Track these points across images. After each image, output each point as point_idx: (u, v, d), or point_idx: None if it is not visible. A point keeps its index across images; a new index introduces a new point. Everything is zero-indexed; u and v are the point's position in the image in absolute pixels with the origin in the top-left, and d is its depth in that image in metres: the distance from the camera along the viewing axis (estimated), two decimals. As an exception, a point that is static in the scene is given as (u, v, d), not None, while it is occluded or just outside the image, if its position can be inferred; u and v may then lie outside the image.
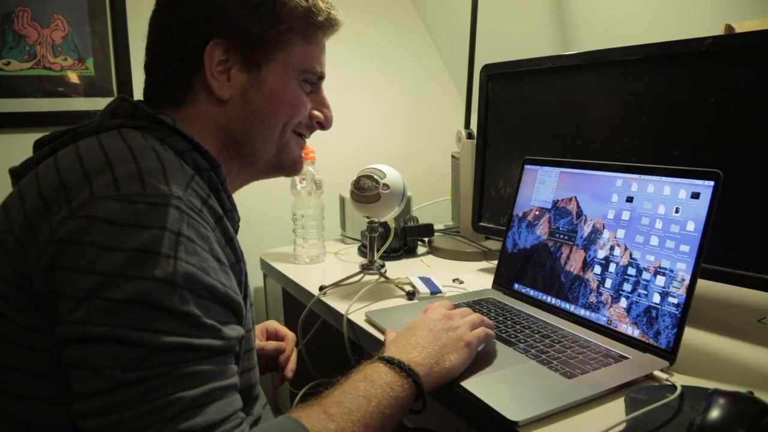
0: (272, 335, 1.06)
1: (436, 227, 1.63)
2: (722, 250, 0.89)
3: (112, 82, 1.54)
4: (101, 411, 0.52)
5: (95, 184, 0.57)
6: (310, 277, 1.31)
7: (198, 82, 0.73)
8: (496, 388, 0.73)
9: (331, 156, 1.78)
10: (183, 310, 0.54)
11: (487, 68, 1.26)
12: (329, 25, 0.78)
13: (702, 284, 1.05)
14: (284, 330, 1.06)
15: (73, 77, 1.51)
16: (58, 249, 0.55)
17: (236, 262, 0.66)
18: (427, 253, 1.49)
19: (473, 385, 0.74)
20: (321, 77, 0.81)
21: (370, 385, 0.67)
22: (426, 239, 1.53)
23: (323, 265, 1.43)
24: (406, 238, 1.44)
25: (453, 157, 1.56)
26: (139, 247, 0.54)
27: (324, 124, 0.84)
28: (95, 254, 0.53)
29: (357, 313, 1.05)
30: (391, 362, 0.71)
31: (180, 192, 0.58)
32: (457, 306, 0.89)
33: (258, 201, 1.74)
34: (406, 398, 0.69)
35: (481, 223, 1.32)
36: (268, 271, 1.48)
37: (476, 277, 1.26)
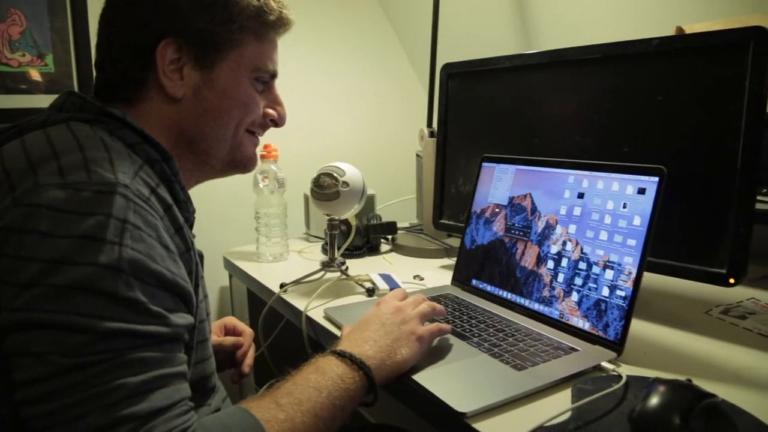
0: (230, 331, 1.05)
1: (401, 225, 1.64)
2: (670, 244, 0.92)
3: (73, 79, 1.52)
4: (42, 398, 0.51)
5: (40, 173, 0.57)
6: (272, 275, 1.31)
7: (150, 80, 0.72)
8: (447, 380, 0.74)
9: (296, 154, 1.78)
10: (128, 296, 0.54)
11: (447, 67, 1.27)
12: (281, 24, 0.79)
13: (652, 278, 1.08)
14: (242, 326, 1.06)
15: (32, 73, 1.48)
16: (1, 237, 0.54)
17: (186, 251, 0.66)
18: (391, 250, 1.50)
19: (424, 377, 0.74)
20: (273, 75, 0.82)
21: (321, 377, 0.68)
22: (390, 237, 1.54)
23: (286, 263, 1.42)
24: (368, 235, 1.44)
25: (417, 155, 1.57)
26: (83, 234, 0.53)
27: (277, 122, 0.84)
28: (38, 241, 0.53)
29: (317, 310, 1.05)
30: (342, 355, 0.71)
31: (127, 180, 0.58)
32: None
33: (221, 199, 1.73)
34: (357, 390, 0.69)
35: (442, 221, 1.33)
36: (232, 269, 1.47)
37: (437, 274, 1.27)
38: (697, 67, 0.88)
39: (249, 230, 1.48)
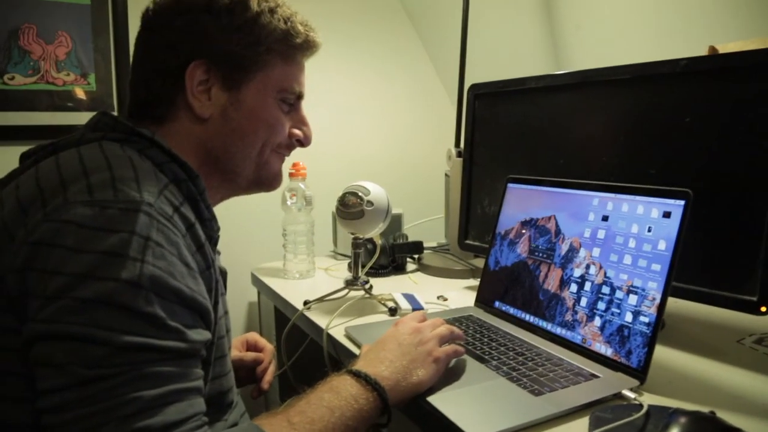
0: (252, 347, 1.06)
1: (429, 245, 1.63)
2: (697, 269, 0.89)
3: (113, 97, 1.57)
4: (61, 407, 0.53)
5: (70, 190, 0.59)
6: (297, 292, 1.31)
7: (179, 100, 0.75)
8: (462, 403, 0.73)
9: (326, 172, 1.80)
10: (147, 312, 0.55)
11: (474, 87, 1.27)
12: (307, 47, 0.80)
13: (683, 305, 1.05)
14: (263, 342, 1.07)
15: (77, 92, 1.54)
16: (31, 251, 0.56)
17: (206, 269, 0.67)
18: (416, 270, 1.49)
19: (439, 400, 0.73)
20: (300, 96, 0.83)
21: (334, 397, 0.67)
22: (416, 256, 1.53)
23: (312, 280, 1.43)
24: (394, 254, 1.44)
25: (446, 175, 1.57)
26: (107, 250, 0.55)
27: (303, 142, 0.85)
28: (65, 256, 0.55)
29: (338, 328, 1.05)
30: (357, 375, 0.71)
31: (151, 199, 0.60)
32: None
33: (251, 216, 1.76)
34: (371, 411, 0.69)
35: (467, 241, 1.32)
36: (259, 285, 1.49)
37: (461, 295, 1.25)
38: (727, 88, 0.86)
39: (277, 247, 1.50)
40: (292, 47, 0.78)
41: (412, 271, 1.48)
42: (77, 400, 0.52)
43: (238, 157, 0.78)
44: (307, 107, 0.86)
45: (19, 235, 0.58)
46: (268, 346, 1.06)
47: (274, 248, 1.61)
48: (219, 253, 0.84)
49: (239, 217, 1.77)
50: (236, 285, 1.77)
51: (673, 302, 1.14)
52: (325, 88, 1.88)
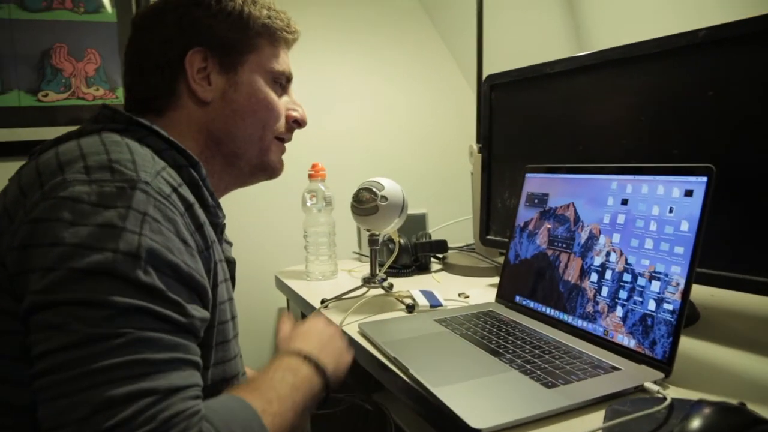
0: None
1: (457, 245, 1.58)
2: (730, 254, 0.82)
3: (142, 110, 1.60)
4: (62, 366, 0.51)
5: (68, 171, 0.60)
6: (319, 293, 1.28)
7: (182, 88, 0.77)
8: (467, 395, 0.68)
9: (348, 173, 1.77)
10: (146, 282, 0.55)
11: (489, 79, 1.22)
12: (289, 31, 0.84)
13: (720, 296, 0.97)
14: None
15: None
16: (30, 228, 0.56)
17: (205, 249, 0.67)
18: (441, 269, 1.45)
19: (444, 392, 0.69)
20: (289, 79, 0.86)
21: (293, 377, 0.68)
22: (441, 256, 1.49)
23: (335, 281, 1.40)
24: (417, 254, 1.40)
25: (472, 174, 1.52)
26: (104, 222, 0.55)
27: (300, 122, 0.88)
28: (62, 228, 0.55)
29: (353, 325, 1.01)
30: (306, 358, 0.72)
31: (148, 178, 0.61)
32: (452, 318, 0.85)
33: (271, 221, 1.75)
34: (317, 389, 0.71)
35: (489, 236, 1.26)
36: (282, 288, 1.47)
37: (484, 292, 1.20)
38: (751, 56, 0.79)
39: (300, 249, 1.48)
40: (276, 30, 0.82)
41: (437, 271, 1.43)
42: (79, 359, 0.50)
43: (240, 138, 0.81)
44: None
45: (18, 215, 0.58)
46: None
47: (297, 251, 1.59)
48: (231, 244, 0.85)
49: (261, 223, 1.77)
50: (262, 290, 1.76)
51: (709, 294, 1.06)
52: (345, 88, 1.87)
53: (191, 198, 0.67)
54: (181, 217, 0.62)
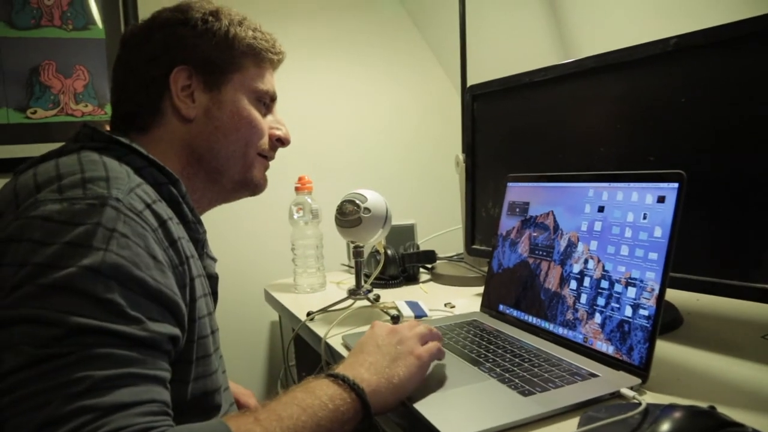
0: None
1: (444, 255, 1.59)
2: (708, 258, 0.83)
3: (131, 126, 1.61)
4: (13, 387, 0.52)
5: (42, 191, 0.61)
6: (307, 305, 1.28)
7: (165, 106, 0.79)
8: (443, 405, 0.69)
9: (335, 184, 1.76)
10: (105, 298, 0.55)
11: (471, 89, 1.24)
12: (274, 51, 0.86)
13: (705, 301, 0.97)
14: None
15: (93, 123, 1.59)
16: (1, 248, 0.57)
17: (179, 264, 0.67)
18: (429, 280, 1.45)
19: (420, 402, 0.69)
20: (273, 98, 0.88)
21: (308, 396, 0.64)
22: (429, 266, 1.49)
23: (323, 293, 1.41)
24: (404, 264, 1.40)
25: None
26: (71, 240, 0.56)
27: (283, 140, 0.89)
28: (31, 248, 0.56)
29: (338, 337, 1.02)
30: (335, 377, 0.68)
31: (120, 195, 0.61)
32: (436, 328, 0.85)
33: (259, 234, 1.77)
34: (348, 413, 0.65)
35: (474, 246, 1.27)
36: (271, 302, 1.48)
37: (470, 302, 1.21)
38: (723, 61, 0.80)
39: (289, 263, 1.48)
40: (261, 51, 0.84)
41: (425, 282, 1.44)
42: (27, 380, 0.52)
43: (222, 155, 0.82)
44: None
45: None
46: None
47: (285, 264, 1.59)
48: (215, 260, 0.86)
49: (249, 236, 1.78)
50: (252, 304, 1.76)
51: (695, 299, 1.07)
52: (331, 99, 1.88)
53: (165, 214, 0.67)
54: (152, 233, 0.63)
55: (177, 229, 0.68)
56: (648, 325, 0.73)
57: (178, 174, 0.76)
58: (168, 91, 0.78)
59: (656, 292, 0.73)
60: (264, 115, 0.86)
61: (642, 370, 0.72)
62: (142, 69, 0.79)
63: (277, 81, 0.89)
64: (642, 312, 0.74)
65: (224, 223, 1.71)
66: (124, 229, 0.59)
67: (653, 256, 0.75)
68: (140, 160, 0.72)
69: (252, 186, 0.87)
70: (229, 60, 0.81)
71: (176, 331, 0.62)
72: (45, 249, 0.55)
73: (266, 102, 0.86)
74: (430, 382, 0.75)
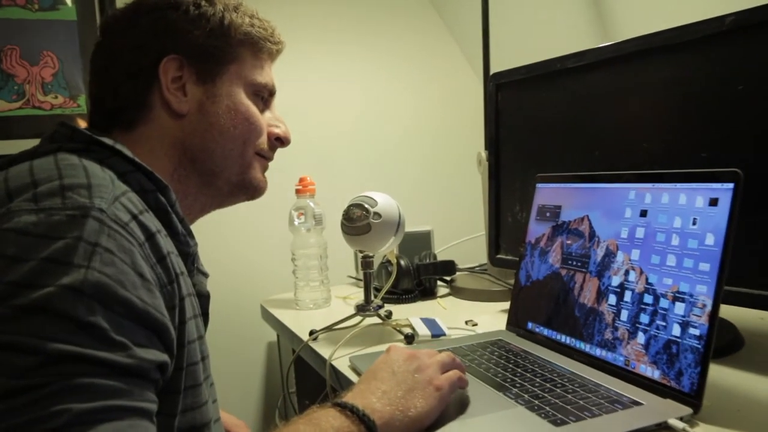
0: None
1: (468, 266, 1.60)
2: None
3: (107, 120, 1.64)
4: None
5: (15, 200, 0.61)
6: (309, 323, 1.30)
7: (154, 100, 0.80)
8: (464, 436, 0.70)
9: (342, 187, 1.79)
10: (87, 321, 0.55)
11: (495, 77, 1.25)
12: (273, 41, 0.87)
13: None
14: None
15: (64, 117, 1.61)
16: None
17: (168, 283, 0.67)
18: (448, 294, 1.47)
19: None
20: (272, 93, 0.89)
21: (312, 428, 0.66)
22: (448, 279, 1.51)
23: (328, 310, 1.43)
24: (420, 277, 1.42)
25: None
26: (49, 256, 0.56)
27: (283, 140, 0.91)
28: (4, 265, 0.56)
29: (345, 359, 1.03)
30: (343, 406, 0.69)
31: (103, 204, 0.62)
32: (456, 348, 0.87)
33: (254, 243, 1.78)
34: None
35: (499, 255, 1.29)
36: (268, 319, 1.49)
37: (494, 319, 1.22)
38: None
39: (289, 275, 1.50)
40: (260, 40, 0.85)
41: (443, 296, 1.45)
42: (2, 413, 0.52)
43: (218, 155, 0.83)
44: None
45: None
46: None
47: (285, 277, 1.61)
48: (206, 275, 0.86)
49: (244, 245, 1.79)
50: (247, 322, 1.78)
51: (758, 317, 1.07)
52: (338, 90, 1.90)
53: (154, 226, 0.67)
54: (139, 248, 0.63)
55: (166, 243, 0.69)
56: (699, 346, 0.74)
57: (168, 176, 0.77)
58: (157, 83, 0.79)
59: (708, 308, 0.74)
60: (262, 111, 0.87)
61: (693, 398, 0.73)
62: (127, 58, 0.79)
63: (276, 68, 0.91)
64: (692, 331, 0.75)
65: (215, 231, 1.73)
66: (108, 244, 0.59)
67: (704, 267, 0.76)
68: (125, 164, 0.72)
69: (251, 188, 0.88)
70: (224, 49, 0.82)
71: (165, 357, 0.63)
72: (19, 266, 0.56)
73: (264, 96, 0.87)
74: (449, 409, 0.77)
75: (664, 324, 0.79)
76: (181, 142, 0.81)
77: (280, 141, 0.90)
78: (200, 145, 0.82)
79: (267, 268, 1.77)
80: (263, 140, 0.87)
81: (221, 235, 1.74)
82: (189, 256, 0.76)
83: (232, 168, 0.85)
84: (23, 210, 0.59)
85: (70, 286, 0.55)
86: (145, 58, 0.79)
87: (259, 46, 0.85)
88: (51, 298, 0.55)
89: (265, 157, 0.89)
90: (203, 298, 0.81)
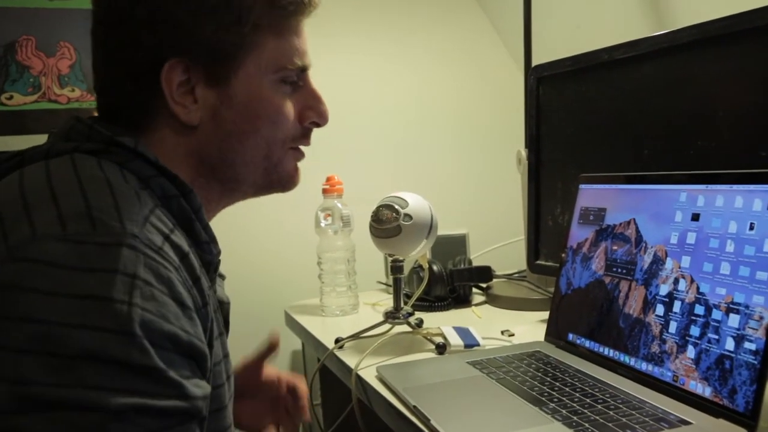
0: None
1: (505, 273, 1.61)
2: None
3: (125, 114, 1.68)
4: None
5: (37, 220, 0.59)
6: (335, 331, 1.31)
7: (159, 107, 0.73)
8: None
9: (373, 187, 1.80)
10: (144, 364, 0.55)
11: (536, 70, 1.26)
12: (303, 7, 0.77)
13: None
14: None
15: (82, 111, 1.65)
16: None
17: (203, 306, 0.67)
18: (484, 302, 1.47)
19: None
20: (303, 69, 0.80)
21: None
22: (483, 285, 1.51)
23: (356, 317, 1.44)
24: (453, 283, 1.43)
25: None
26: (87, 293, 0.55)
27: (320, 122, 0.83)
28: (36, 300, 0.55)
29: (372, 368, 1.05)
30: None
31: (136, 229, 0.60)
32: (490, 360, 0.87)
33: (279, 247, 1.80)
34: None
35: (538, 262, 1.29)
36: (292, 326, 1.52)
37: (533, 329, 1.22)
38: None
39: (315, 280, 1.51)
40: (284, 14, 0.76)
41: (479, 304, 1.46)
42: None
43: (239, 164, 0.78)
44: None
45: None
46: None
47: (310, 281, 1.63)
48: (224, 277, 0.85)
49: (267, 248, 1.81)
50: (270, 329, 1.80)
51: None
52: (370, 84, 1.91)
53: (185, 246, 0.66)
54: (176, 272, 0.62)
55: (197, 261, 0.68)
56: (755, 362, 0.74)
57: (189, 183, 0.73)
58: (159, 90, 0.72)
59: (766, 320, 0.74)
60: (291, 94, 0.79)
61: (748, 418, 0.73)
62: (125, 54, 0.73)
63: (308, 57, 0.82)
64: (747, 345, 0.75)
65: (237, 233, 1.74)
66: (146, 275, 0.58)
67: (762, 276, 0.75)
68: (148, 168, 0.70)
69: (281, 185, 0.83)
70: (237, 41, 0.73)
71: (208, 388, 0.63)
72: (55, 303, 0.54)
73: (293, 79, 0.79)
74: (480, 423, 0.78)
75: (716, 337, 0.79)
76: (197, 153, 0.76)
77: (316, 124, 0.83)
78: (218, 156, 0.77)
79: (291, 272, 1.79)
80: (294, 132, 0.81)
81: (243, 237, 1.76)
82: (211, 264, 0.74)
83: (257, 172, 0.79)
84: (50, 237, 0.57)
85: (117, 329, 0.54)
86: (143, 57, 0.72)
87: (281, 25, 0.76)
88: (99, 343, 0.54)
89: (298, 148, 0.83)
90: (224, 305, 0.80)
